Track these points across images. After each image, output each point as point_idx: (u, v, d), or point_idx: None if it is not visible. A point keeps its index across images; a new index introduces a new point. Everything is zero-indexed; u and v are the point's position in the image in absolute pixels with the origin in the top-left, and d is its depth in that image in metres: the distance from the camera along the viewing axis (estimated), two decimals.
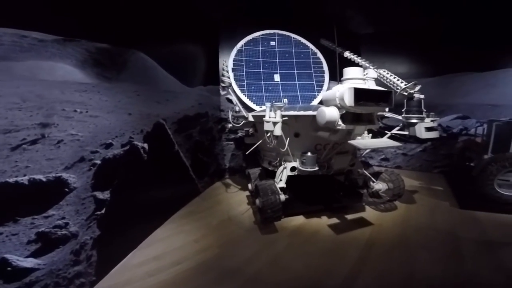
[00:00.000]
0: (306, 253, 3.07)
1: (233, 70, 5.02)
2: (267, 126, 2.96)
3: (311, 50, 5.66)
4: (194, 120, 4.42)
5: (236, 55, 5.19)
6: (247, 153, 3.35)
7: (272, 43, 5.66)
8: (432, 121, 3.46)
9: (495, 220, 3.75)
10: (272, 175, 3.97)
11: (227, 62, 4.19)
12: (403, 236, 3.40)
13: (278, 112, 2.93)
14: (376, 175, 4.12)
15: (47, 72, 2.06)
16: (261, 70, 5.42)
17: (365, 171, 4.04)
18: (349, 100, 2.42)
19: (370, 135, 2.91)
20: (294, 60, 5.66)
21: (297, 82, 5.55)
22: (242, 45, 5.34)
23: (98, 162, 2.53)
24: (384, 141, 2.97)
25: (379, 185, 3.94)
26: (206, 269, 2.76)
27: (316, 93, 5.49)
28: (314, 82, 5.57)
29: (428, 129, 3.37)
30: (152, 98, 3.39)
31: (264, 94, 5.32)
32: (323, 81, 5.54)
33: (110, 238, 2.63)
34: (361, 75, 2.90)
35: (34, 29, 1.93)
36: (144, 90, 3.23)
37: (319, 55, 5.62)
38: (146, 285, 2.48)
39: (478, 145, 4.75)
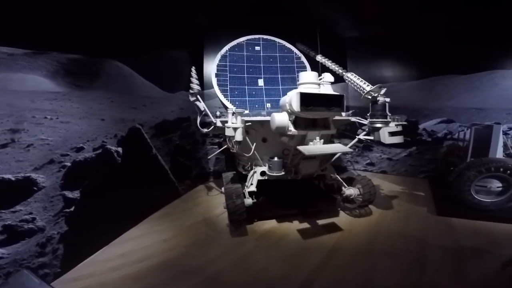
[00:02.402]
0: (269, 257, 3.23)
1: (216, 75, 5.30)
2: (228, 132, 3.13)
3: (295, 54, 5.87)
4: (174, 124, 4.73)
5: (220, 61, 5.46)
6: (208, 157, 3.56)
7: (257, 48, 5.90)
8: (397, 125, 3.48)
9: (470, 227, 3.80)
10: (246, 179, 4.19)
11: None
12: (371, 242, 3.49)
13: (239, 118, 3.11)
14: (350, 180, 4.25)
15: (17, 83, 2.39)
16: (245, 75, 5.66)
17: (337, 176, 4.19)
18: (296, 105, 2.58)
19: (322, 140, 3.05)
20: (278, 65, 5.88)
21: (280, 87, 5.75)
22: (227, 50, 5.60)
23: (68, 164, 2.85)
24: (333, 147, 3.10)
25: (350, 191, 4.05)
26: (168, 267, 3.00)
27: None
28: (297, 86, 5.76)
29: (392, 133, 3.40)
30: (127, 104, 3.71)
31: (247, 99, 5.55)
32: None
33: (79, 234, 2.94)
34: (315, 79, 3.03)
35: (4, 44, 2.27)
36: (119, 96, 3.55)
37: (303, 59, 5.81)
38: (108, 278, 2.76)
39: (460, 149, 4.79)
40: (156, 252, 3.26)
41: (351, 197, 4.06)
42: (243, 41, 5.84)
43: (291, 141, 3.00)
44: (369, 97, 3.44)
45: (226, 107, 5.18)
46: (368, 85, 3.48)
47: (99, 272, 2.85)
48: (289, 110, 2.75)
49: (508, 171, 3.86)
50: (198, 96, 3.46)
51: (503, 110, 4.91)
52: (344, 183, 4.14)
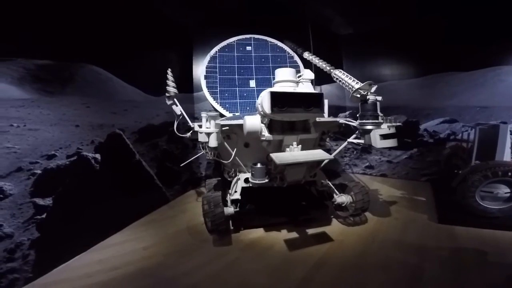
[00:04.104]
0: (251, 269, 3.09)
1: (205, 77, 5.24)
2: (201, 137, 3.02)
3: (288, 53, 5.73)
4: (160, 128, 4.68)
5: (209, 62, 5.39)
6: (181, 165, 3.46)
7: (248, 48, 5.80)
8: (389, 127, 3.22)
9: (475, 236, 3.54)
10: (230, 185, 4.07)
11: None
12: (363, 254, 3.29)
13: (213, 122, 2.99)
14: (343, 187, 4.05)
15: None
16: (236, 76, 5.57)
17: (329, 182, 3.99)
18: (267, 107, 2.42)
19: (300, 146, 2.86)
20: (271, 65, 5.75)
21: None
22: (216, 51, 5.54)
23: (39, 171, 2.84)
24: (311, 154, 2.88)
25: (342, 198, 3.85)
26: (143, 276, 2.93)
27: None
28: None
29: (384, 136, 3.15)
30: (106, 109, 3.69)
31: (238, 101, 5.45)
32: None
33: (54, 240, 2.94)
34: (292, 77, 2.84)
35: None
36: (96, 101, 3.53)
37: (296, 58, 5.66)
38: (79, 285, 2.74)
39: (465, 151, 4.50)
40: (134, 260, 3.21)
41: (343, 204, 3.86)
42: (234, 42, 5.75)
43: (268, 146, 2.85)
44: (358, 96, 3.16)
45: (216, 110, 5.12)
46: (357, 83, 3.21)
47: (72, 278, 2.85)
48: (261, 113, 2.58)
49: None
50: (175, 100, 3.37)
51: (510, 108, 4.57)
52: (335, 190, 3.94)
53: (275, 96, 2.36)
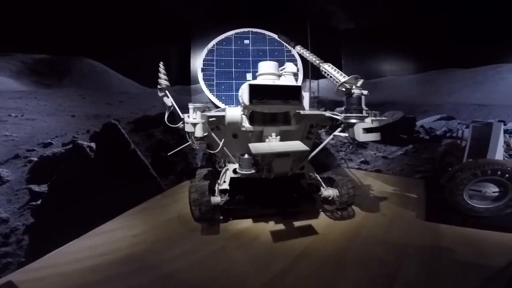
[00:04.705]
0: (234, 258, 3.24)
1: (202, 70, 5.39)
2: (188, 128, 3.16)
3: (286, 47, 5.77)
4: (156, 119, 4.87)
5: (206, 55, 5.53)
6: (168, 154, 3.63)
7: (246, 41, 5.89)
8: (373, 121, 3.25)
9: (459, 235, 3.58)
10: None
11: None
12: (344, 249, 3.36)
13: (198, 113, 3.11)
14: (330, 181, 4.14)
15: None
16: (233, 69, 5.69)
17: (317, 176, 4.10)
18: (246, 98, 2.53)
19: (278, 137, 2.96)
20: (268, 59, 5.82)
21: None
22: (214, 44, 5.66)
23: (35, 159, 3.08)
24: (287, 145, 2.97)
25: (328, 192, 3.95)
26: (128, 261, 3.14)
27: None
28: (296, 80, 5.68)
29: (367, 130, 3.19)
30: (101, 100, 3.91)
31: (234, 93, 5.58)
32: (296, 79, 5.61)
33: (48, 226, 3.18)
34: (274, 70, 2.92)
35: None
36: (91, 93, 3.74)
37: (294, 52, 5.69)
38: (68, 269, 2.96)
39: (459, 149, 4.48)
40: (122, 247, 3.41)
41: (330, 198, 3.97)
42: (232, 35, 5.84)
43: (252, 137, 2.98)
44: (344, 89, 3.21)
45: (212, 102, 5.29)
46: (344, 77, 3.22)
47: (62, 263, 3.06)
48: (242, 104, 2.71)
49: (507, 175, 3.57)
50: (167, 92, 3.52)
51: (509, 107, 4.50)
52: (322, 184, 4.05)
53: (253, 88, 2.48)
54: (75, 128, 3.52)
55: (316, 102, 6.12)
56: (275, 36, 5.80)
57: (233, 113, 2.64)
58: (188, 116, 3.27)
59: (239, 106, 2.81)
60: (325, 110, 3.67)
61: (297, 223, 4.00)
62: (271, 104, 2.54)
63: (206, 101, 5.77)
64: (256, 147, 2.82)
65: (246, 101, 2.49)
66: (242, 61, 5.80)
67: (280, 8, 6.03)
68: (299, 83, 5.62)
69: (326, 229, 3.87)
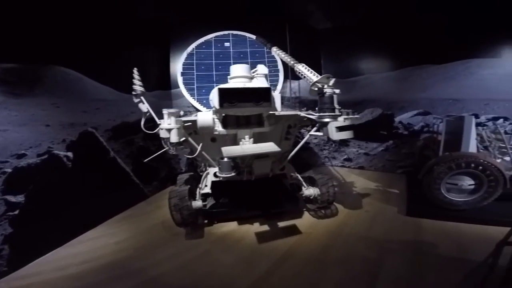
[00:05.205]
0: (218, 261, 3.29)
1: (182, 74, 5.41)
2: (162, 133, 3.19)
3: (266, 48, 5.85)
4: (135, 126, 4.83)
5: (186, 59, 5.55)
6: (144, 161, 3.65)
7: (227, 44, 5.94)
8: (345, 119, 3.36)
9: (439, 230, 3.69)
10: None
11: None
12: (327, 248, 3.43)
13: (173, 118, 3.14)
14: (311, 180, 4.23)
15: None
16: (214, 73, 5.73)
17: (298, 175, 4.18)
18: (216, 102, 2.57)
19: (252, 139, 3.02)
20: (249, 60, 5.88)
21: None
22: (193, 48, 5.69)
23: (9, 170, 3.05)
24: (259, 147, 3.02)
25: (310, 191, 4.04)
26: (111, 268, 3.17)
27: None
28: (268, 81, 5.72)
29: (340, 128, 3.29)
30: (76, 108, 3.90)
31: None
32: (277, 81, 5.71)
33: (28, 236, 3.19)
34: (245, 73, 2.96)
35: None
36: (65, 101, 3.73)
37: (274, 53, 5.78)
38: (51, 277, 2.98)
39: (435, 143, 4.63)
40: (105, 254, 3.43)
41: (311, 197, 4.05)
42: (211, 38, 5.89)
43: (227, 140, 3.03)
44: (316, 89, 3.27)
45: (194, 106, 5.31)
46: (316, 76, 3.31)
47: (45, 271, 3.09)
48: (214, 108, 2.75)
49: (480, 167, 3.71)
50: (142, 98, 3.54)
51: (481, 100, 4.72)
52: (303, 183, 4.13)
53: (223, 92, 2.52)
54: (50, 137, 3.50)
55: (297, 102, 6.22)
56: (254, 37, 5.89)
57: (205, 117, 2.68)
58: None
59: (211, 110, 2.86)
60: (306, 110, 3.75)
61: (281, 224, 4.07)
62: (242, 107, 2.59)
63: (188, 106, 5.80)
64: (228, 150, 2.86)
65: (217, 105, 2.54)
66: (223, 64, 5.83)
67: (259, 9, 6.11)
68: (280, 83, 5.72)
69: (309, 228, 3.95)
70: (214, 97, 2.58)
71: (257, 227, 4.05)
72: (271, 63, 5.82)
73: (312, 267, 3.07)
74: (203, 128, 2.71)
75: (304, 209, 4.42)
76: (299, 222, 4.11)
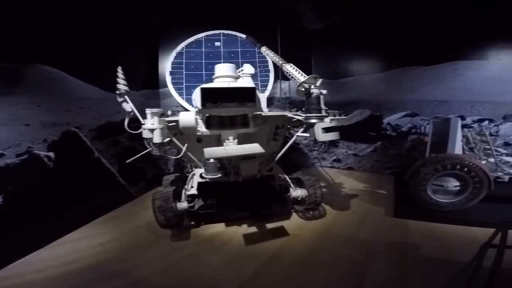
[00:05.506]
0: (205, 263, 3.25)
1: (171, 73, 5.36)
2: (145, 134, 3.13)
3: (256, 48, 5.83)
4: (121, 126, 4.77)
5: (175, 58, 5.50)
6: (127, 161, 3.59)
7: (217, 43, 5.91)
8: (331, 120, 3.33)
9: (426, 231, 3.72)
10: None
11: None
12: (314, 250, 3.43)
13: (156, 118, 3.08)
14: (299, 181, 4.22)
15: None
16: (203, 72, 5.69)
17: (286, 177, 4.17)
18: (199, 102, 2.53)
19: (236, 140, 2.99)
20: (240, 60, 5.86)
21: None
22: (183, 47, 5.64)
23: None
24: (243, 148, 2.99)
25: (297, 192, 4.03)
26: (94, 269, 3.12)
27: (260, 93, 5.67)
28: (258, 82, 5.74)
29: (326, 130, 3.28)
30: (58, 108, 3.82)
31: None
32: (268, 81, 5.70)
33: (7, 237, 3.12)
34: (230, 72, 2.92)
35: None
36: (47, 100, 3.65)
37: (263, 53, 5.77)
38: (32, 278, 2.93)
39: (422, 144, 4.69)
40: (88, 255, 3.38)
41: (298, 198, 4.04)
42: (202, 37, 5.85)
43: (211, 141, 3.00)
44: (303, 89, 3.21)
45: (182, 106, 5.27)
46: (304, 76, 3.26)
47: (26, 273, 3.03)
48: (196, 108, 2.71)
49: (465, 169, 3.76)
50: (126, 97, 3.48)
51: (467, 102, 4.80)
52: (291, 184, 4.12)
53: (206, 92, 2.48)
54: (30, 137, 3.42)
55: (288, 102, 6.23)
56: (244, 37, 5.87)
57: (187, 117, 2.63)
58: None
59: (194, 110, 2.82)
60: (296, 111, 3.74)
61: (269, 225, 4.05)
62: (226, 107, 2.55)
63: (176, 105, 5.75)
64: (210, 151, 2.82)
65: (199, 105, 2.50)
66: (213, 64, 5.75)
67: (251, 9, 6.10)
68: (270, 84, 5.71)
69: (297, 229, 3.95)
70: (196, 97, 2.55)
71: (245, 228, 4.02)
72: (262, 63, 5.81)
73: (299, 269, 3.07)
74: (185, 129, 2.67)
75: (292, 211, 4.42)
76: (287, 223, 4.11)
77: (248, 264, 3.18)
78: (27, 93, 3.40)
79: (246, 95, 2.66)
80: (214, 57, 5.84)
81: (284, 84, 6.13)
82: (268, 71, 5.74)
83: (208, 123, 2.82)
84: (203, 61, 5.76)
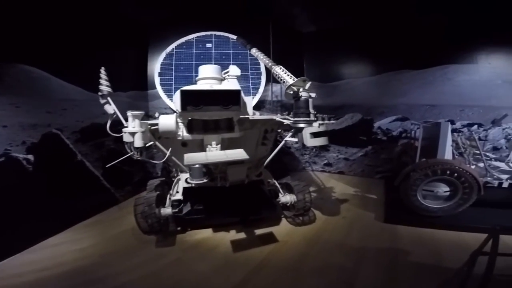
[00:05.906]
0: (190, 269, 3.17)
1: (160, 74, 5.29)
2: (126, 137, 3.01)
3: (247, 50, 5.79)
4: (106, 128, 4.68)
5: (165, 59, 5.43)
6: (107, 166, 3.49)
7: (208, 45, 5.85)
8: (320, 125, 3.24)
9: (416, 237, 3.69)
10: None
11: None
12: (303, 256, 3.37)
13: (137, 121, 2.97)
14: (288, 186, 4.16)
15: None
16: (193, 74, 5.61)
17: (275, 182, 4.10)
18: (179, 105, 2.44)
19: (219, 146, 2.91)
20: (231, 62, 5.81)
21: None
22: (173, 48, 5.58)
23: None
24: (225, 154, 2.89)
25: (286, 198, 3.97)
26: (74, 275, 3.01)
27: (252, 96, 5.62)
28: (250, 84, 5.70)
29: (315, 135, 3.19)
30: (39, 109, 3.71)
31: None
32: (259, 83, 5.66)
33: None
34: (215, 74, 2.84)
35: None
36: (27, 101, 3.54)
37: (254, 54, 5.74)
38: (6, 284, 2.82)
39: (413, 149, 4.68)
40: (67, 261, 3.26)
41: (288, 204, 3.98)
42: (193, 38, 5.79)
43: (195, 147, 2.91)
44: (291, 92, 3.15)
45: (171, 108, 5.18)
46: (293, 79, 3.19)
47: (1, 278, 2.92)
48: (177, 111, 2.63)
49: (455, 174, 3.75)
50: (109, 99, 3.39)
51: (457, 106, 4.83)
52: (280, 190, 4.06)
53: (186, 94, 2.39)
54: (8, 139, 3.31)
55: (279, 106, 6.19)
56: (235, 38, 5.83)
57: (166, 121, 2.54)
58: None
59: (175, 113, 2.73)
60: (288, 115, 3.68)
61: (258, 231, 3.98)
62: (209, 110, 2.46)
63: (165, 107, 5.66)
64: (190, 157, 2.73)
65: (179, 108, 2.42)
66: None
67: (244, 11, 6.07)
68: (262, 86, 5.66)
69: (286, 235, 3.88)
70: (177, 99, 2.46)
71: (233, 234, 3.94)
72: (254, 66, 5.77)
73: (288, 276, 3.01)
74: (165, 133, 2.58)
75: (282, 216, 4.35)
76: (276, 229, 4.04)
77: (235, 271, 3.10)
78: (6, 94, 3.29)
79: (230, 98, 2.58)
80: (205, 58, 5.78)
81: (276, 87, 6.09)
82: (260, 73, 5.70)
83: (190, 127, 2.73)
84: (194, 62, 5.69)
